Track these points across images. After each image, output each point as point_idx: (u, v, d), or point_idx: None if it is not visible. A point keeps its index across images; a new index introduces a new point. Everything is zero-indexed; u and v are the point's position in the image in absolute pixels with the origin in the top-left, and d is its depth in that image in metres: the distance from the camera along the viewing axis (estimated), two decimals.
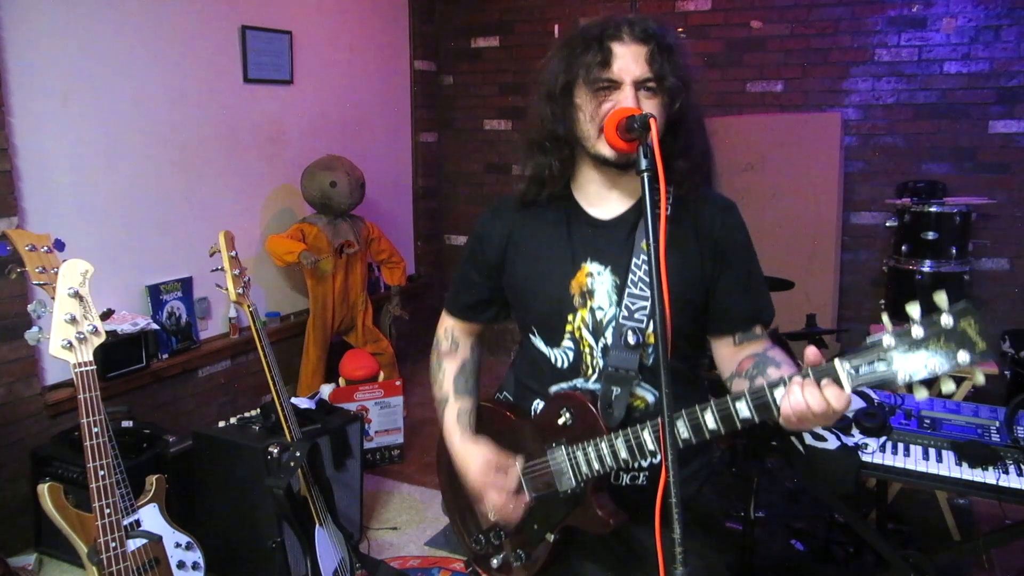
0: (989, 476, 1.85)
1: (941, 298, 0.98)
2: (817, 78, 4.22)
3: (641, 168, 1.13)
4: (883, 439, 2.02)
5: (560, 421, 1.32)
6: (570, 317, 1.36)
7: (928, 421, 2.11)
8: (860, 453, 1.98)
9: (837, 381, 1.05)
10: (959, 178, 4.00)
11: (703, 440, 1.17)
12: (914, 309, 1.00)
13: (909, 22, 4.00)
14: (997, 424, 2.07)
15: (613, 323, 1.34)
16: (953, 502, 3.03)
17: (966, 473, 1.88)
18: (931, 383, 1.03)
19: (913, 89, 4.04)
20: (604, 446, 1.27)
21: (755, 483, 2.38)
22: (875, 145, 4.17)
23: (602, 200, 1.39)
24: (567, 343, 1.38)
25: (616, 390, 1.33)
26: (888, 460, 1.96)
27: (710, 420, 1.15)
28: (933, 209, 3.66)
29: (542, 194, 1.40)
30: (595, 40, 1.27)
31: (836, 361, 1.06)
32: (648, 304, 1.31)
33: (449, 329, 1.60)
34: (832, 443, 2.01)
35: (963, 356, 0.97)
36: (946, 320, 0.98)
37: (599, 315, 1.35)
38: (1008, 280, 4.00)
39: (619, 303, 1.33)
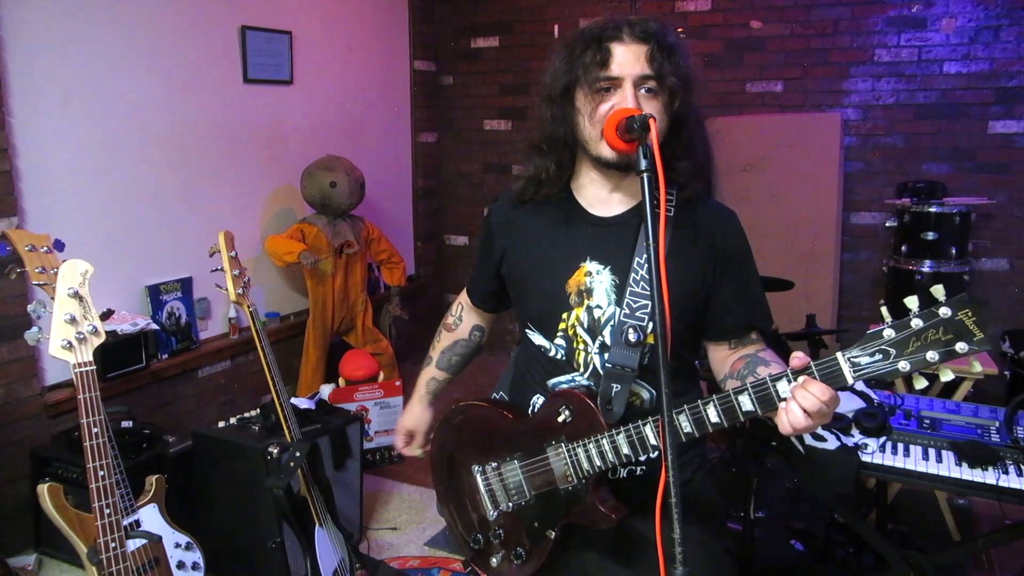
0: (989, 476, 1.85)
1: (939, 290, 1.01)
2: (817, 78, 4.22)
3: (641, 168, 1.13)
4: (883, 439, 2.02)
5: (560, 419, 1.33)
6: (564, 315, 1.38)
7: (928, 421, 2.11)
8: (860, 453, 1.98)
9: (838, 375, 1.07)
10: (959, 178, 4.00)
11: (704, 433, 1.19)
12: (912, 302, 1.03)
13: (909, 22, 4.00)
14: (997, 424, 2.07)
15: (612, 321, 1.34)
16: (953, 502, 3.03)
17: (966, 473, 1.88)
18: (931, 377, 1.05)
19: (913, 89, 4.04)
20: (605, 442, 1.27)
21: (755, 483, 2.38)
22: (875, 145, 4.17)
23: (603, 201, 1.40)
24: (559, 340, 1.40)
25: (616, 387, 1.33)
26: (888, 460, 1.96)
27: (712, 414, 1.16)
28: (933, 209, 3.66)
29: (539, 194, 1.42)
30: (594, 40, 1.28)
31: (838, 355, 1.08)
32: (650, 303, 1.31)
33: (461, 305, 1.72)
34: (832, 443, 2.01)
35: (961, 346, 1.00)
36: (944, 311, 1.01)
37: (597, 313, 1.35)
38: (1008, 280, 4.00)
39: (619, 302, 1.34)
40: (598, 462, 1.28)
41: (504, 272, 1.49)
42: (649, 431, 1.23)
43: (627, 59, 1.26)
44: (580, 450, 1.30)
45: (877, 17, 4.05)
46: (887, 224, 4.04)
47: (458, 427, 1.54)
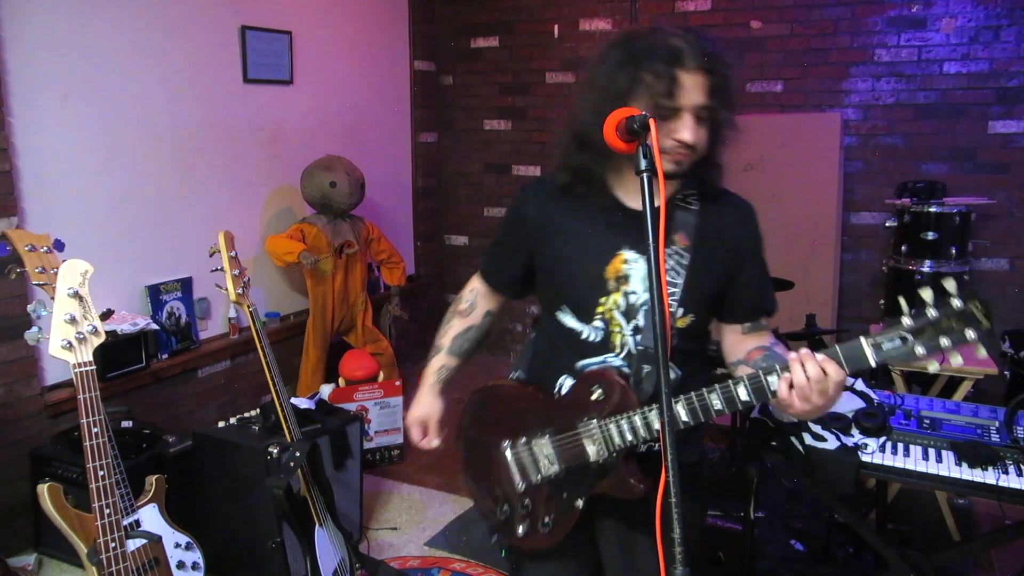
0: (989, 476, 1.86)
1: (950, 284, 1.14)
2: (817, 78, 4.22)
3: (640, 168, 1.16)
4: (883, 439, 2.02)
5: (592, 397, 1.40)
6: (602, 299, 1.45)
7: (928, 421, 2.11)
8: (860, 453, 1.98)
9: (861, 356, 1.19)
10: (959, 178, 4.00)
11: (735, 411, 1.30)
12: (927, 294, 1.15)
13: (909, 22, 4.00)
14: (997, 424, 2.07)
15: (646, 307, 1.43)
16: (953, 502, 3.03)
17: (966, 473, 1.88)
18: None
19: (913, 89, 4.04)
20: (638, 419, 1.34)
21: (755, 483, 2.38)
22: (875, 145, 4.17)
23: (639, 194, 1.43)
24: (597, 322, 1.47)
25: (647, 367, 1.42)
26: (888, 460, 1.96)
27: (743, 393, 1.26)
28: (933, 209, 3.66)
29: (582, 189, 1.47)
30: (661, 62, 1.30)
31: (861, 339, 1.19)
32: (678, 291, 1.42)
33: (474, 291, 1.73)
34: (832, 443, 2.02)
35: (971, 333, 1.12)
36: (957, 303, 1.13)
37: (632, 299, 1.43)
38: (1008, 280, 4.00)
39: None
40: (630, 437, 1.35)
41: (539, 259, 1.54)
42: (681, 408, 1.30)
43: (690, 89, 1.32)
44: (612, 426, 1.37)
45: (877, 17, 4.05)
46: (887, 224, 4.04)
47: (484, 404, 1.61)
